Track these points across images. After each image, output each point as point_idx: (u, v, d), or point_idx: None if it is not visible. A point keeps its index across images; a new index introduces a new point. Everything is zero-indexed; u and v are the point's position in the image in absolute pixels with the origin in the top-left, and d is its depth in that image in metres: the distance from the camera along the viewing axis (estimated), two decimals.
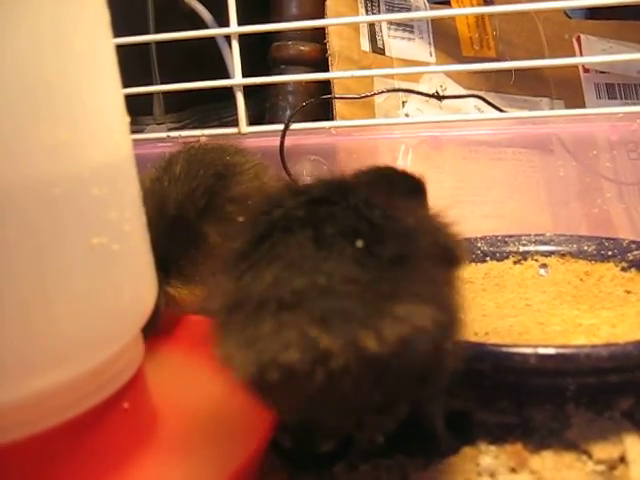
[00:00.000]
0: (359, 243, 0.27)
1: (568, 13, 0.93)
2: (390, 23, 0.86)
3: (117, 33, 0.35)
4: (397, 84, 0.81)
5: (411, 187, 0.39)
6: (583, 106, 0.85)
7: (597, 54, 0.89)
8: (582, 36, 0.90)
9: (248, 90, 0.75)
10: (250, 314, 0.27)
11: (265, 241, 0.29)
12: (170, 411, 0.38)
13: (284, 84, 0.84)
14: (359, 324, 0.25)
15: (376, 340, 0.25)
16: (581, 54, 0.89)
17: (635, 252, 0.54)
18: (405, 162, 0.73)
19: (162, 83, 0.89)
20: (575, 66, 0.87)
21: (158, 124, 0.92)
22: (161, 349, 0.46)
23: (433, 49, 0.86)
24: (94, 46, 0.32)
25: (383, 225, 0.29)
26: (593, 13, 0.95)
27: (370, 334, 0.25)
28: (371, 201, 0.30)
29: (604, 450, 0.35)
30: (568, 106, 0.85)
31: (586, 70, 0.88)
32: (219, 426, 0.37)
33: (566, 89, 0.87)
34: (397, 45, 0.85)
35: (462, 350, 0.31)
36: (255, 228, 0.30)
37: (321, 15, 0.81)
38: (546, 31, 0.89)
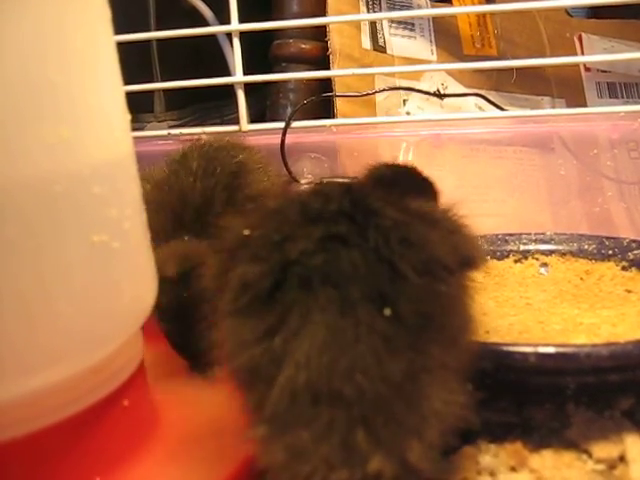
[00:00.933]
0: (387, 312, 0.26)
1: (569, 12, 0.93)
2: (391, 21, 0.86)
3: (118, 30, 0.35)
4: (398, 82, 0.81)
5: (422, 190, 0.38)
6: (584, 105, 0.85)
7: (598, 53, 0.89)
8: (583, 35, 0.90)
9: (249, 88, 0.75)
10: (280, 402, 0.25)
11: (283, 290, 0.27)
12: (170, 409, 0.38)
13: (285, 82, 0.84)
14: (403, 432, 0.25)
15: (420, 450, 0.25)
16: (582, 53, 0.89)
17: (636, 251, 0.54)
18: (406, 160, 0.73)
19: (163, 80, 0.89)
20: (576, 65, 0.87)
21: (159, 122, 0.92)
22: (162, 347, 0.46)
23: (434, 47, 0.86)
24: (96, 43, 0.32)
25: (406, 270, 0.27)
26: (595, 12, 0.95)
27: (414, 443, 0.25)
28: (391, 232, 0.28)
29: (604, 449, 0.35)
30: (569, 105, 0.85)
31: (587, 69, 0.88)
32: (219, 424, 0.37)
33: (567, 88, 0.87)
34: (398, 43, 0.85)
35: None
36: (267, 261, 0.28)
37: (322, 13, 0.81)
38: (547, 30, 0.89)
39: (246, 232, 0.29)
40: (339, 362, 0.25)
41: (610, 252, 0.55)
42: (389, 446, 0.24)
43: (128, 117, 0.35)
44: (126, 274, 0.33)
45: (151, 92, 0.90)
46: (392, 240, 0.28)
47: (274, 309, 0.27)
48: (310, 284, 0.27)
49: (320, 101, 0.79)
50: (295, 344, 0.26)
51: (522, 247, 0.57)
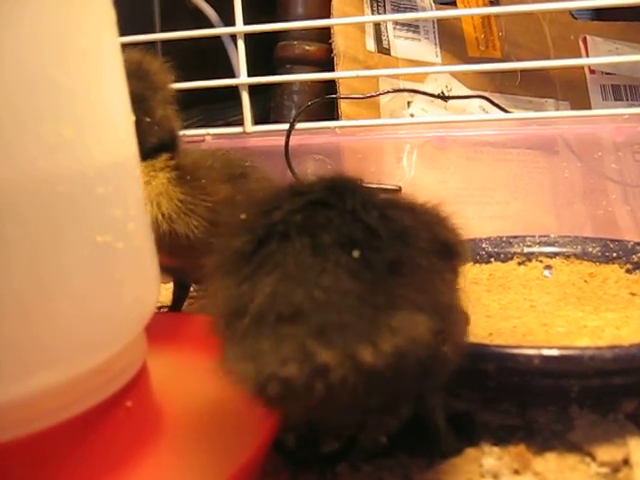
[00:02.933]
0: (355, 253, 0.28)
1: (574, 14, 0.93)
2: (396, 23, 0.86)
3: (123, 31, 0.35)
4: (402, 84, 0.81)
5: None
6: (589, 107, 0.85)
7: (603, 55, 0.89)
8: (588, 37, 0.90)
9: (253, 89, 0.75)
10: (249, 326, 0.27)
11: (265, 245, 0.29)
12: (174, 410, 0.39)
13: (289, 84, 0.84)
14: (356, 337, 0.26)
15: (372, 352, 0.25)
16: (587, 55, 0.89)
17: None
18: (410, 162, 0.73)
19: None
20: (581, 67, 0.87)
21: None
22: (165, 348, 0.46)
23: (439, 49, 0.86)
24: (100, 44, 0.32)
25: (379, 228, 0.29)
26: (599, 14, 0.95)
27: (366, 347, 0.25)
28: (368, 202, 0.30)
29: (608, 452, 0.35)
30: (574, 107, 0.85)
31: (592, 71, 0.88)
32: (222, 425, 0.37)
33: (572, 90, 0.87)
34: (402, 45, 0.85)
35: (464, 346, 0.32)
36: (255, 229, 0.30)
37: (327, 15, 0.81)
38: (552, 32, 0.89)
39: (243, 216, 0.32)
40: (302, 285, 0.27)
41: (614, 255, 0.55)
42: (341, 347, 0.25)
43: (132, 118, 0.35)
44: (130, 275, 0.33)
45: None
46: (369, 207, 0.30)
47: (255, 261, 0.29)
48: (288, 236, 0.29)
49: (324, 103, 0.79)
50: (268, 280, 0.28)
51: (526, 249, 0.57)
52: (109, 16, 0.33)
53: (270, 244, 0.29)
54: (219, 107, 0.94)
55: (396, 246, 0.29)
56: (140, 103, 0.45)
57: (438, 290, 0.30)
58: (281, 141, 0.71)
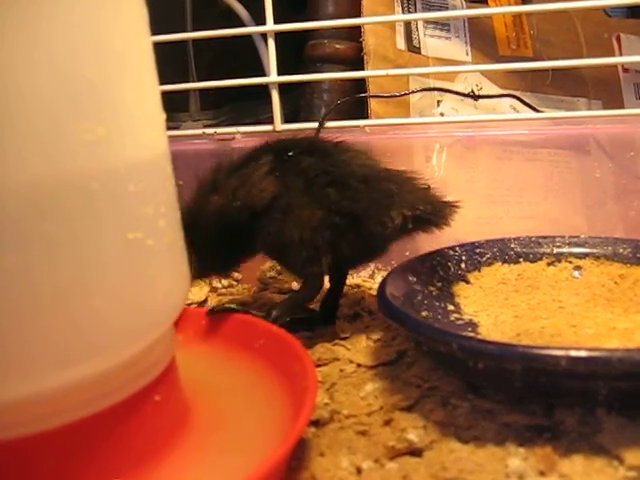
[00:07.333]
0: None
1: (608, 12, 0.92)
2: (426, 22, 0.86)
3: (155, 30, 0.35)
4: (432, 83, 0.81)
5: None
6: (622, 106, 0.84)
7: (637, 54, 0.87)
8: (622, 35, 0.89)
9: (283, 88, 0.75)
10: None
11: None
12: (201, 405, 0.39)
13: (319, 82, 0.85)
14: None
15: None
16: (620, 54, 0.88)
17: None
18: (439, 161, 0.73)
19: (199, 80, 0.90)
20: (614, 66, 0.86)
21: (194, 121, 0.93)
22: (193, 343, 0.46)
23: (469, 48, 0.85)
24: (133, 43, 0.33)
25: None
26: (634, 12, 0.94)
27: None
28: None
29: (636, 456, 0.35)
30: (606, 106, 0.84)
31: (625, 70, 0.87)
32: (250, 421, 0.38)
33: (604, 89, 0.86)
34: (433, 44, 0.85)
35: None
36: None
37: (357, 13, 0.81)
38: (585, 30, 0.88)
39: None
40: None
41: None
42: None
43: (164, 116, 0.36)
44: (160, 271, 0.33)
45: (187, 92, 0.91)
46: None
47: None
48: None
49: (354, 101, 0.79)
50: None
51: (556, 250, 0.57)
52: (141, 16, 0.34)
53: None
54: (249, 105, 0.95)
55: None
56: None
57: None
58: None
